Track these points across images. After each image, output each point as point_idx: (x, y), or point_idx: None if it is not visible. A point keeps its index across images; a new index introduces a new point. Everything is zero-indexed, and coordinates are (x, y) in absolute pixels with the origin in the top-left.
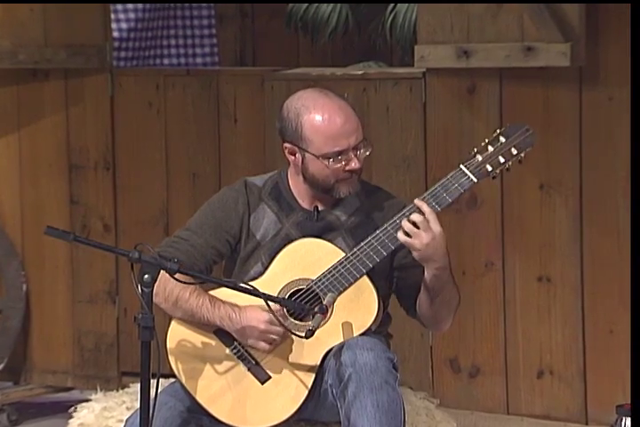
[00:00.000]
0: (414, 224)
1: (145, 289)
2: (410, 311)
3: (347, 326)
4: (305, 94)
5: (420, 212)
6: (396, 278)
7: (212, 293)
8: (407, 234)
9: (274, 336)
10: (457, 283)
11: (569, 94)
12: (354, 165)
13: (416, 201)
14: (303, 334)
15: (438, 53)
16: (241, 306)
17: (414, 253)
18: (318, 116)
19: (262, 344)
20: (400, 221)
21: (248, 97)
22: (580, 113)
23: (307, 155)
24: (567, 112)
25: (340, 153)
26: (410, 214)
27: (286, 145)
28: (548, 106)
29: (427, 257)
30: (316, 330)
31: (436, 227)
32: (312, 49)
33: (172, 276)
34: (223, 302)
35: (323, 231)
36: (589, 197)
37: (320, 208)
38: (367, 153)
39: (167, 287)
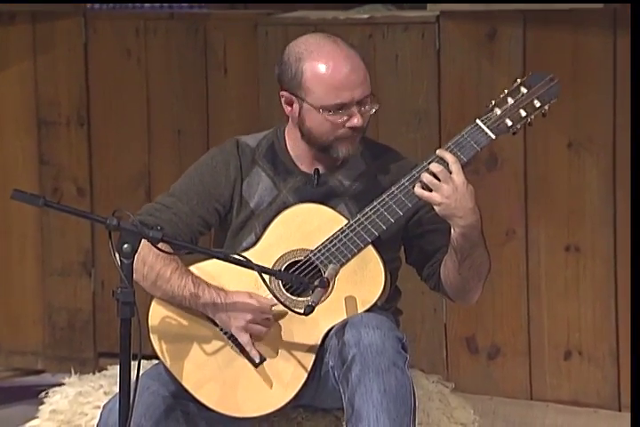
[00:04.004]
0: (434, 176)
1: (124, 260)
2: (431, 282)
3: (350, 301)
4: (310, 39)
5: (442, 161)
6: (414, 247)
7: (196, 266)
8: (425, 188)
9: (261, 327)
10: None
11: (602, 40)
12: (356, 121)
13: (438, 151)
14: (302, 311)
15: None
16: (227, 291)
17: (436, 209)
18: (322, 63)
19: (245, 337)
20: (419, 175)
21: (239, 44)
22: (615, 61)
23: (304, 105)
24: (599, 60)
25: (341, 106)
26: (429, 165)
27: (283, 93)
28: (578, 53)
29: (450, 212)
30: (316, 306)
31: (458, 178)
32: None
33: (154, 245)
34: (208, 286)
35: (323, 198)
36: (624, 157)
37: (321, 171)
38: (373, 110)
39: (147, 262)
